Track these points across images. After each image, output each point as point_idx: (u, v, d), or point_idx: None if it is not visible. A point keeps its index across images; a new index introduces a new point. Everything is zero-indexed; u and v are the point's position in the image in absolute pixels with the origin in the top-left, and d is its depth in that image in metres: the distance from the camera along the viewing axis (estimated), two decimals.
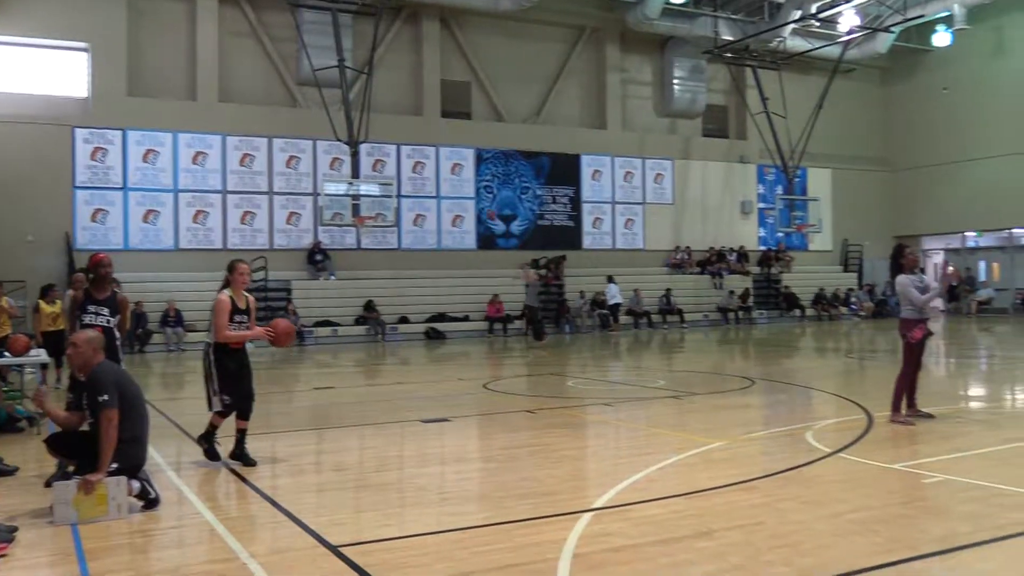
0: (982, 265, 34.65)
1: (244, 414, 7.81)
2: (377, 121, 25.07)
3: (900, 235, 35.69)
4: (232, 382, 7.74)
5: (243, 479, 7.20)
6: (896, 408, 9.26)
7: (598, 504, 6.15)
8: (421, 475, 7.51)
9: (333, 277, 25.74)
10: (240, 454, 7.72)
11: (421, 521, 5.91)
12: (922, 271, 9.66)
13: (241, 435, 7.79)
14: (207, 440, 7.81)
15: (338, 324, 24.93)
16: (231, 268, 7.90)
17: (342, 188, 24.22)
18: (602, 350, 21.86)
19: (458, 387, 13.99)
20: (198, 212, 24.77)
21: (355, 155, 24.47)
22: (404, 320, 25.82)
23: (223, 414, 7.77)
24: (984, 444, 8.14)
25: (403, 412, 11.01)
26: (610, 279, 28.02)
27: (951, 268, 9.59)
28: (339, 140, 24.41)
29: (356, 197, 24.05)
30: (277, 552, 5.24)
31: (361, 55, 25.51)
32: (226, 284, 7.86)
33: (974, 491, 6.39)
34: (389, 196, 24.93)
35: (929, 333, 9.42)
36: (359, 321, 25.22)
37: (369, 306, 25.22)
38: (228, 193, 25.16)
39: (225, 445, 7.88)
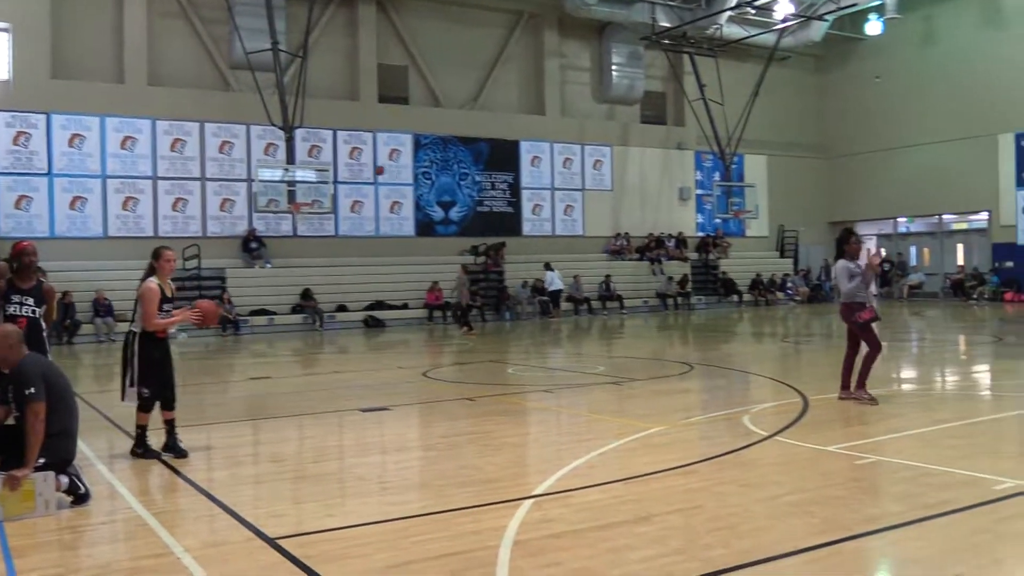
0: (913, 250, 35.60)
1: (169, 404, 7.65)
2: (312, 106, 24.70)
3: (835, 221, 36.49)
4: (155, 371, 7.56)
5: (177, 472, 7.05)
6: (861, 385, 9.46)
7: (539, 491, 6.15)
8: (361, 465, 7.44)
9: (269, 265, 25.33)
10: (172, 445, 7.55)
11: (361, 511, 5.85)
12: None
13: (170, 426, 7.61)
14: (141, 445, 7.58)
15: (274, 313, 24.56)
16: (156, 255, 7.72)
17: (277, 174, 23.86)
18: (542, 337, 21.92)
19: (397, 375, 13.90)
20: (127, 199, 24.12)
21: (290, 140, 24.10)
22: (342, 308, 25.55)
23: (146, 408, 7.56)
24: (915, 426, 8.34)
25: (342, 401, 10.90)
26: (548, 266, 28.09)
27: (872, 251, 9.82)
28: (274, 125, 24.00)
29: (292, 183, 23.71)
30: (212, 545, 5.14)
31: (295, 38, 25.08)
32: (151, 271, 7.67)
33: (905, 471, 6.55)
34: (325, 182, 24.63)
35: (876, 318, 9.59)
36: (296, 310, 24.88)
37: (306, 294, 24.90)
38: (159, 179, 24.53)
39: (155, 438, 7.70)
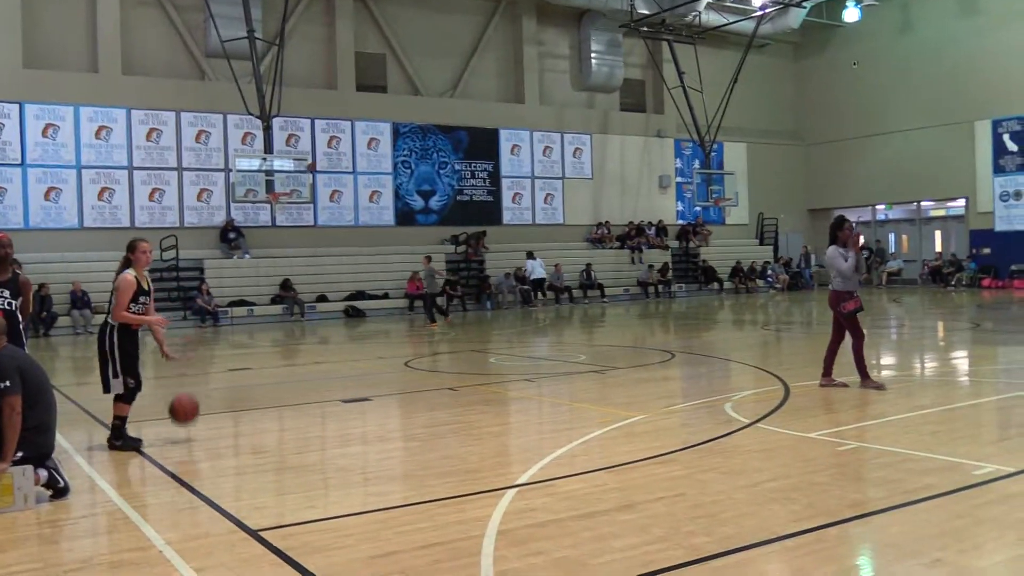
0: (891, 237, 35.85)
1: (130, 399, 7.59)
2: (290, 95, 24.52)
3: (814, 208, 36.71)
4: (132, 364, 7.51)
5: (159, 465, 6.99)
6: (865, 375, 9.51)
7: (522, 480, 6.15)
8: (343, 456, 7.41)
9: (248, 255, 25.16)
10: (123, 443, 7.50)
11: (343, 502, 5.83)
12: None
13: (121, 421, 7.55)
14: (120, 436, 7.50)
15: (254, 304, 24.42)
16: (132, 247, 7.64)
17: (255, 164, 23.68)
18: (524, 326, 21.92)
19: (379, 366, 13.86)
20: (103, 189, 23.87)
21: (267, 130, 23.92)
22: (322, 299, 25.44)
23: (127, 399, 7.49)
24: (895, 412, 8.40)
25: (323, 392, 10.85)
26: (530, 255, 28.08)
27: (853, 227, 9.84)
28: (250, 114, 23.81)
29: (270, 173, 23.53)
30: (194, 538, 5.09)
31: (272, 26, 24.86)
32: (127, 264, 7.59)
33: (886, 457, 6.59)
34: (303, 172, 24.45)
35: (859, 308, 9.62)
36: (275, 300, 24.75)
37: (286, 285, 24.76)
38: (135, 169, 24.28)
39: (136, 429, 7.63)
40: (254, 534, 5.06)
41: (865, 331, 9.78)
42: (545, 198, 30.92)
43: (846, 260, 9.52)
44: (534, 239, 29.88)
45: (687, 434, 7.72)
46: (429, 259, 22.38)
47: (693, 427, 8.08)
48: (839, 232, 9.67)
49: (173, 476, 6.60)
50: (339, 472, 6.78)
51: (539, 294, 27.85)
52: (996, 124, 30.80)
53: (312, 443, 8.08)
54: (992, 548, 4.62)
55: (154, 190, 24.49)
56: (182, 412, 7.70)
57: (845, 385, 9.59)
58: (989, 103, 30.59)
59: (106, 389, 7.55)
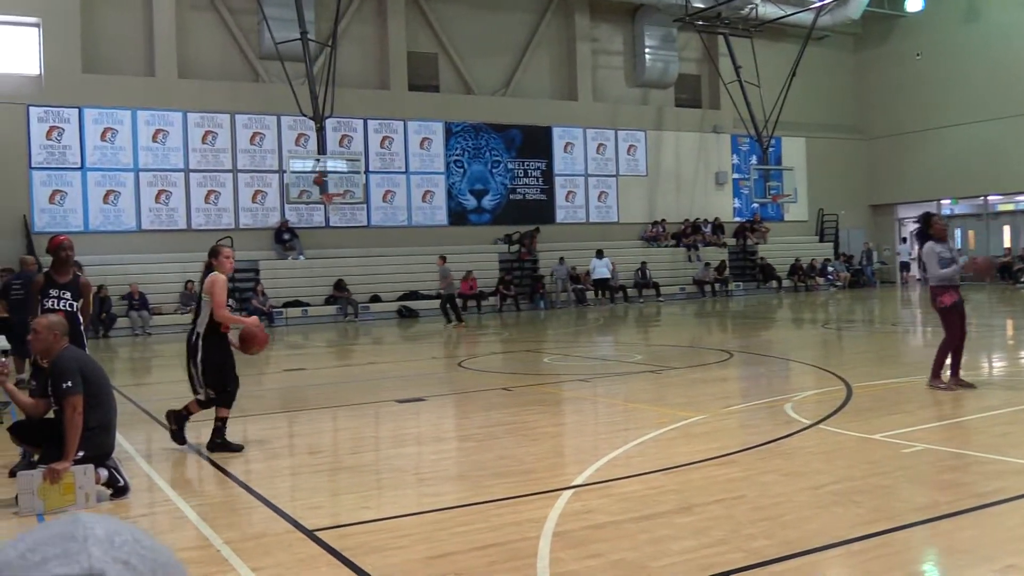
0: (958, 233, 34.89)
1: (228, 402, 7.53)
2: (343, 95, 24.70)
3: (875, 204, 35.92)
4: (218, 374, 7.46)
5: (216, 465, 7.05)
6: (936, 375, 9.23)
7: (578, 481, 6.07)
8: (398, 456, 7.41)
9: (302, 256, 25.43)
10: (222, 443, 7.45)
11: (399, 503, 5.82)
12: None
13: (222, 422, 7.50)
14: (178, 421, 7.53)
15: (308, 304, 24.66)
16: (216, 252, 7.61)
17: (309, 165, 23.90)
18: (578, 325, 21.81)
19: (432, 366, 13.89)
20: (160, 192, 24.31)
21: (321, 130, 24.11)
22: (376, 299, 25.60)
23: (224, 402, 7.46)
24: (963, 413, 8.16)
25: (377, 392, 10.89)
26: (599, 253, 27.81)
27: (944, 221, 9.47)
28: (304, 115, 24.02)
29: (323, 173, 23.73)
30: (251, 538, 5.13)
31: (324, 27, 25.07)
32: (209, 268, 7.58)
33: (953, 460, 6.39)
34: (357, 172, 24.63)
35: (960, 300, 9.25)
36: (329, 301, 24.96)
37: (339, 285, 24.96)
38: (191, 172, 24.69)
39: (197, 431, 7.71)
40: (310, 534, 5.08)
41: (937, 328, 9.37)
42: (599, 196, 30.72)
43: (942, 258, 9.14)
44: (588, 237, 29.69)
45: (746, 435, 7.57)
46: (444, 259, 22.16)
47: (753, 428, 7.92)
48: (930, 229, 9.35)
49: (230, 476, 6.66)
50: (394, 472, 6.78)
51: (600, 294, 27.63)
52: None
53: (367, 443, 8.10)
54: None
55: (210, 192, 24.89)
56: (254, 343, 7.70)
57: (972, 386, 9.22)
58: None
59: (203, 397, 7.50)
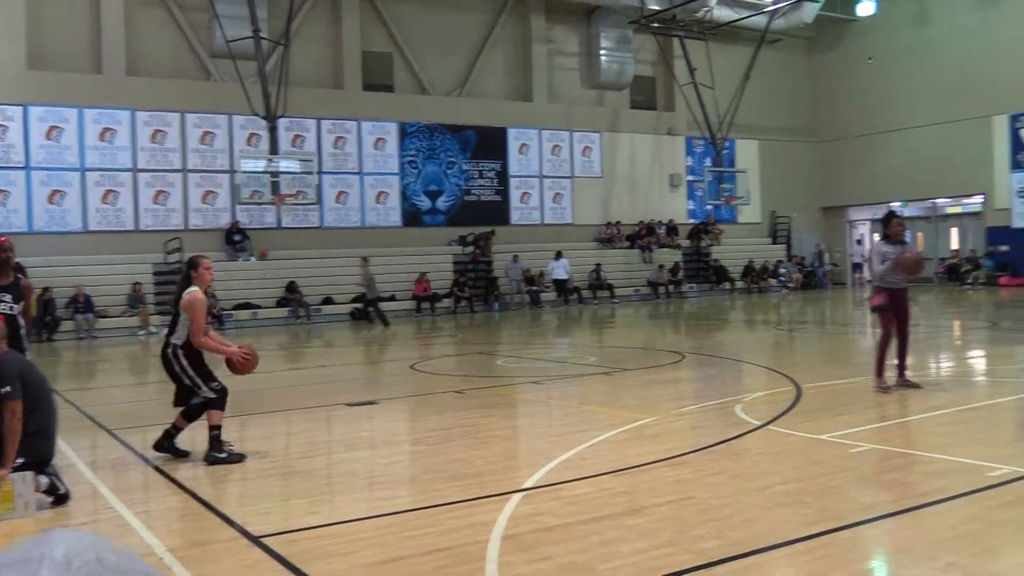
0: (908, 235, 35.43)
1: (194, 412, 7.28)
2: (295, 95, 24.48)
3: (827, 206, 36.40)
4: (209, 371, 7.28)
5: (161, 471, 6.92)
6: (878, 373, 9.31)
7: (529, 484, 6.07)
8: (349, 460, 7.34)
9: (253, 258, 25.12)
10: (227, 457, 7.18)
11: (349, 507, 5.77)
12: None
13: (177, 431, 7.29)
14: (218, 447, 7.11)
15: (259, 307, 24.36)
16: (195, 264, 7.30)
17: (260, 165, 23.63)
18: (532, 327, 21.83)
19: (385, 369, 13.80)
20: (107, 192, 23.84)
21: (273, 130, 23.87)
22: (328, 301, 25.36)
23: (218, 404, 7.18)
24: (908, 413, 8.31)
25: (329, 396, 10.78)
26: (558, 255, 27.84)
27: (906, 255, 9.53)
28: (256, 115, 23.76)
29: (275, 174, 23.49)
30: (196, 545, 5.05)
31: (277, 25, 24.82)
32: (188, 281, 7.26)
33: (898, 459, 6.50)
34: (310, 172, 24.42)
35: (883, 304, 9.31)
36: (281, 303, 24.68)
37: (291, 287, 24.69)
38: (139, 171, 24.24)
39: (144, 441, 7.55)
40: (257, 540, 5.00)
41: (891, 332, 9.42)
42: (554, 197, 30.78)
43: (885, 258, 9.26)
44: (543, 239, 29.74)
45: (697, 436, 7.63)
46: (366, 261, 21.73)
47: (703, 429, 7.98)
48: (887, 228, 9.48)
49: (176, 482, 6.54)
50: (345, 476, 6.72)
51: (562, 295, 27.66)
52: (1014, 119, 30.47)
53: (318, 447, 8.01)
54: (1008, 551, 4.52)
55: (159, 192, 24.46)
56: (242, 371, 7.53)
57: (917, 386, 9.34)
58: (1007, 98, 30.18)
59: (195, 397, 7.22)
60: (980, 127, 31.14)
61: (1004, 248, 30.82)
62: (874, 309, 9.44)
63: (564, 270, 27.60)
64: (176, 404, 7.37)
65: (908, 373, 9.57)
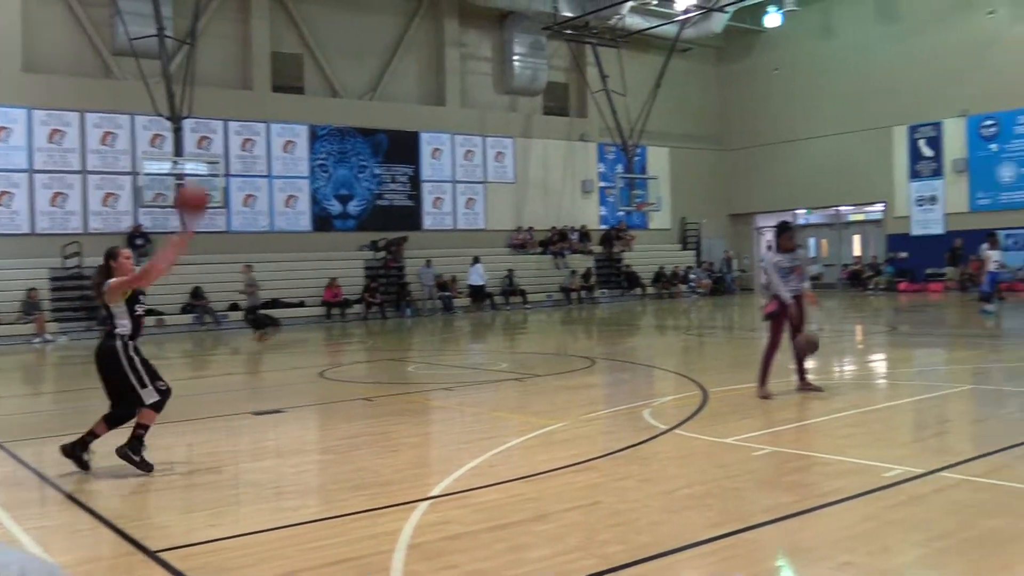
0: (812, 242, 36.63)
1: (123, 417, 6.98)
2: (202, 95, 23.90)
3: (736, 213, 37.25)
4: (154, 369, 6.96)
5: (54, 484, 6.62)
6: (760, 382, 9.42)
7: (436, 492, 6.01)
8: (253, 471, 7.16)
9: None
10: (141, 462, 6.86)
11: (252, 519, 5.61)
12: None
13: (93, 438, 6.95)
14: (137, 447, 6.79)
15: (163, 313, 23.63)
16: (114, 255, 6.99)
17: (164, 167, 23.00)
18: (444, 333, 21.74)
19: (293, 376, 13.54)
20: (1, 193, 22.85)
21: (178, 131, 23.28)
22: (235, 307, 24.76)
23: (159, 406, 6.87)
24: (811, 416, 8.52)
25: (234, 404, 10.54)
26: (475, 260, 27.77)
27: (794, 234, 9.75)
28: (160, 115, 23.13)
29: (180, 176, 22.88)
30: (89, 561, 4.86)
31: (183, 23, 24.18)
32: (107, 273, 6.95)
33: (799, 461, 6.66)
34: (216, 175, 23.87)
35: (773, 313, 9.45)
36: (186, 309, 24.02)
37: (196, 293, 24.05)
38: (35, 172, 23.30)
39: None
40: (153, 555, 4.83)
41: (779, 341, 9.54)
42: (467, 203, 30.77)
43: (779, 269, 9.40)
44: (455, 244, 29.70)
45: (605, 441, 7.68)
46: (250, 267, 21.39)
47: (612, 434, 8.05)
48: (779, 239, 9.61)
49: (71, 497, 6.27)
50: (249, 487, 6.55)
51: (478, 301, 27.60)
52: (912, 130, 31.72)
53: (221, 458, 7.78)
54: (899, 549, 4.66)
55: (56, 194, 23.54)
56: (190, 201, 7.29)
57: (820, 389, 9.53)
58: (906, 109, 31.39)
59: (140, 402, 6.83)
60: (881, 137, 32.33)
61: (904, 255, 32.02)
62: (766, 317, 9.59)
63: (480, 276, 27.58)
64: (112, 409, 6.99)
65: (810, 377, 9.78)
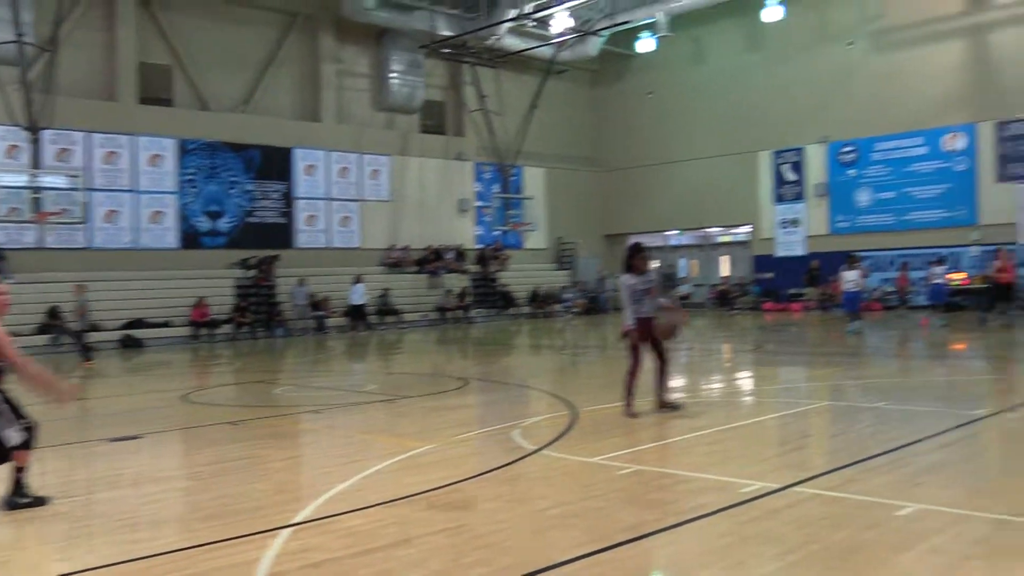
0: (683, 262, 37.71)
1: (32, 440, 6.46)
2: (63, 105, 22.84)
3: (610, 234, 37.98)
4: (16, 406, 6.43)
5: None
6: (626, 402, 9.51)
7: (299, 518, 5.87)
8: (108, 500, 6.83)
9: (11, 280, 22.99)
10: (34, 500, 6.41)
11: (104, 551, 5.35)
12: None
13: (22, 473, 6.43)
14: (20, 492, 6.33)
15: (16, 335, 22.20)
16: None
17: (21, 179, 21.85)
18: (316, 354, 21.34)
19: (155, 400, 13.01)
20: None
21: (36, 143, 22.17)
22: (95, 328, 23.56)
23: (26, 446, 6.34)
24: (675, 434, 8.72)
25: (90, 431, 10.05)
26: (357, 279, 27.31)
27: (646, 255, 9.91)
28: (17, 125, 21.96)
29: (37, 190, 21.79)
30: None
31: (44, 30, 23.07)
32: None
33: (662, 479, 6.81)
34: (76, 189, 22.81)
35: (632, 332, 9.52)
36: (42, 330, 22.74)
37: (53, 313, 22.81)
38: None
39: None
40: None
41: (640, 360, 9.61)
42: (341, 221, 30.36)
43: (635, 291, 9.49)
44: (329, 263, 29.22)
45: (474, 463, 7.66)
46: (82, 288, 20.55)
47: (481, 456, 8.05)
48: (632, 260, 9.66)
49: None
50: (102, 518, 6.24)
51: (357, 320, 27.15)
52: (777, 155, 33.15)
53: (75, 487, 7.37)
54: (753, 564, 4.81)
55: None
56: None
57: (677, 407, 9.63)
58: (770, 135, 32.74)
59: (2, 445, 6.26)
60: (748, 161, 33.64)
61: (769, 275, 33.35)
62: (624, 335, 9.68)
63: (361, 295, 27.22)
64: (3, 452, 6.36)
65: (670, 396, 9.91)
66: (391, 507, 6.10)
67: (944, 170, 29.13)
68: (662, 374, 9.74)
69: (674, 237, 37.71)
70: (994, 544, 5.10)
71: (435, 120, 33.75)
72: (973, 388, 12.07)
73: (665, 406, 9.68)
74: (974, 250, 27.85)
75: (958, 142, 28.84)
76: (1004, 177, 27.27)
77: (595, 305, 34.96)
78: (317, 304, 27.27)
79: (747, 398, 12.00)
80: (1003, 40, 28.01)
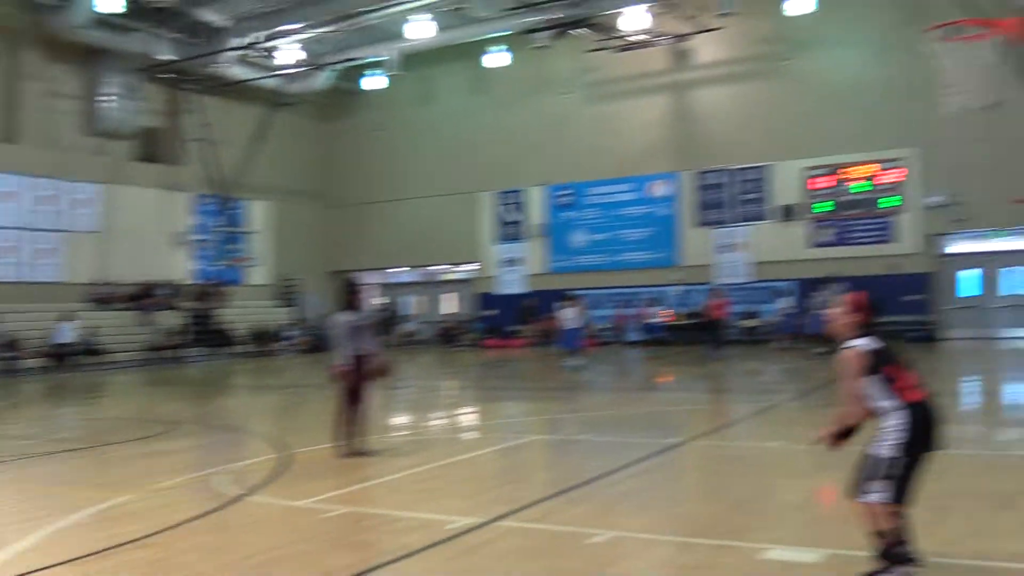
0: (409, 300, 37.95)
1: None
2: None
3: (337, 270, 37.47)
4: None
5: None
6: (339, 440, 9.33)
7: None
8: None
9: None
10: None
11: None
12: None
13: None
14: None
15: None
16: None
17: None
18: (5, 399, 19.24)
19: None
20: None
21: None
22: None
23: None
24: (386, 473, 8.73)
25: None
26: (66, 317, 24.87)
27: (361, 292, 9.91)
28: None
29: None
30: None
31: None
32: None
33: (369, 520, 6.81)
34: None
35: (342, 371, 9.41)
36: None
37: None
38: None
39: None
40: None
41: (347, 401, 9.45)
42: (43, 253, 27.77)
43: (351, 328, 9.43)
44: (29, 299, 26.59)
45: (171, 513, 7.20)
46: None
47: (182, 504, 7.60)
48: (350, 297, 9.61)
49: None
50: None
51: (63, 361, 24.78)
52: (500, 196, 34.42)
53: None
54: None
55: None
56: None
57: (367, 453, 9.38)
58: (492, 176, 33.97)
59: None
60: (472, 201, 34.68)
61: (492, 312, 34.43)
62: (336, 375, 9.55)
63: (70, 334, 24.94)
64: None
65: (364, 440, 9.50)
66: (76, 565, 5.63)
67: (650, 215, 31.66)
68: (358, 419, 9.47)
69: (400, 274, 38.01)
70: (679, 564, 5.57)
71: (151, 148, 31.87)
72: (673, 418, 13.06)
73: (357, 453, 9.33)
74: (677, 289, 30.45)
75: (662, 189, 31.52)
76: (701, 222, 30.25)
77: (319, 343, 34.34)
78: (11, 344, 24.67)
79: (464, 434, 12.29)
80: (702, 97, 31.07)
